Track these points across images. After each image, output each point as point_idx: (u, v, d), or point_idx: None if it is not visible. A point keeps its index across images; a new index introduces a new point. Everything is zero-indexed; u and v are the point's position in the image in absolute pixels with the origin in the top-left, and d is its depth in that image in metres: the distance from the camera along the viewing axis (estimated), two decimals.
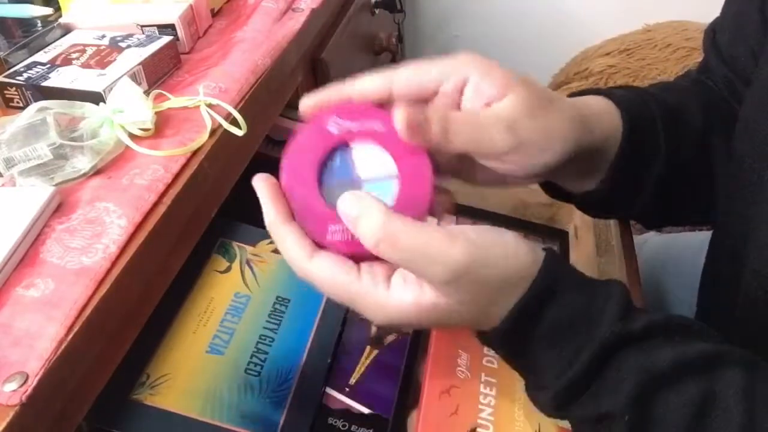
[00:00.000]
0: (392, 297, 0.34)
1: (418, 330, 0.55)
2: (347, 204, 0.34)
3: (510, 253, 0.35)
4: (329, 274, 0.35)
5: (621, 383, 0.34)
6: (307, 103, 0.40)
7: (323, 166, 0.37)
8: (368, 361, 0.53)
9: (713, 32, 0.54)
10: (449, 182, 0.43)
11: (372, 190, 0.36)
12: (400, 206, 0.36)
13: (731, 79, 0.51)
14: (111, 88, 0.48)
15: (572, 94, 0.47)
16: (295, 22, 0.65)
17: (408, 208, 0.36)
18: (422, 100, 0.39)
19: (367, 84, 0.39)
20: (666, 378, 0.34)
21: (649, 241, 0.82)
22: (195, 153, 0.47)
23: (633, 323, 0.35)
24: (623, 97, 0.46)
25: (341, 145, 0.37)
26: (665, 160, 0.47)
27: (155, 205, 0.42)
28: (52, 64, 0.51)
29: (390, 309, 0.34)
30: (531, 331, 0.36)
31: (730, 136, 0.47)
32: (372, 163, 0.37)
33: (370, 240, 0.33)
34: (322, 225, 0.36)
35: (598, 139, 0.43)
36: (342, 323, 0.55)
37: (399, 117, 0.35)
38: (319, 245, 0.36)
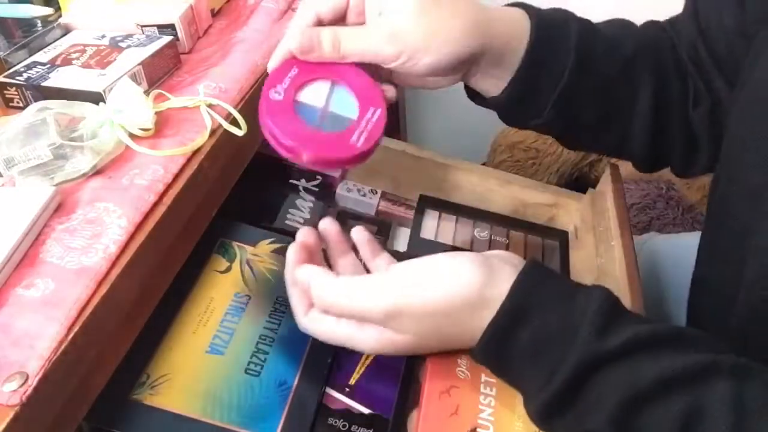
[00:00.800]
0: (365, 338, 0.42)
1: None
2: (300, 274, 0.43)
3: (446, 277, 0.38)
4: (328, 327, 0.44)
5: (602, 401, 0.34)
6: (271, 65, 0.45)
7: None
8: (368, 361, 0.53)
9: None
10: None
11: (338, 99, 0.44)
12: (361, 99, 0.44)
13: (697, 49, 0.51)
14: (111, 88, 0.48)
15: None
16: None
17: (366, 98, 0.44)
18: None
19: (302, 20, 0.44)
20: (650, 394, 0.33)
21: (649, 241, 0.82)
22: (195, 153, 0.47)
23: (612, 340, 0.34)
24: (543, 12, 0.48)
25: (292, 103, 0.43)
26: (572, 77, 0.47)
27: (155, 205, 0.42)
28: (52, 64, 0.51)
29: (370, 346, 0.42)
30: (508, 350, 0.37)
31: (661, 84, 0.50)
32: (314, 93, 0.44)
33: (320, 308, 0.43)
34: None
35: (498, 44, 0.45)
36: None
37: (293, 43, 0.42)
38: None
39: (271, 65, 0.44)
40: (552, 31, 0.47)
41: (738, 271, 0.42)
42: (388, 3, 0.42)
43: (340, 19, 0.44)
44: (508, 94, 0.47)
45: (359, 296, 0.39)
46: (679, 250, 0.76)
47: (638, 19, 0.58)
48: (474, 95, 0.52)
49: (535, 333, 0.36)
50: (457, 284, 0.37)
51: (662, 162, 0.56)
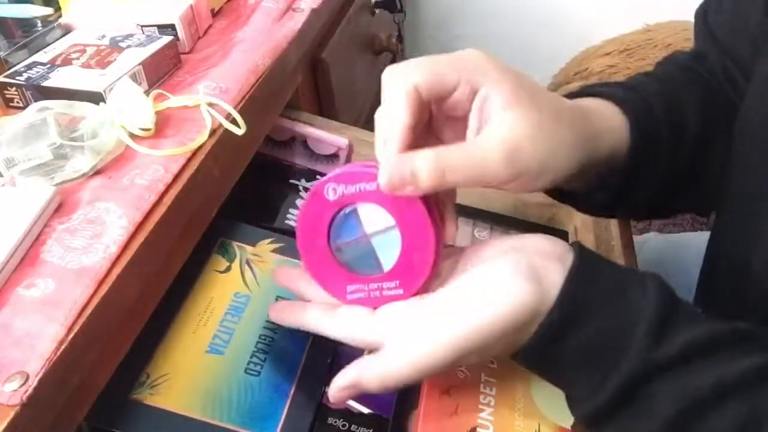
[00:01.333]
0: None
1: None
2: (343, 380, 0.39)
3: (494, 303, 0.34)
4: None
5: (655, 410, 0.33)
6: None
7: (330, 229, 0.40)
8: None
9: (705, 13, 0.51)
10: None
11: (379, 242, 0.39)
12: (405, 254, 0.39)
13: (729, 69, 0.49)
14: (111, 88, 0.48)
15: (572, 95, 0.46)
16: (295, 22, 0.65)
17: (413, 253, 0.39)
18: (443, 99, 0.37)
19: (399, 118, 0.35)
20: (705, 403, 0.32)
21: (649, 241, 0.82)
22: (195, 153, 0.47)
23: (667, 347, 0.32)
24: (631, 104, 0.44)
25: (344, 208, 0.39)
26: (666, 168, 0.46)
27: (155, 205, 0.42)
28: (53, 64, 0.51)
29: None
30: (557, 356, 0.35)
31: (729, 131, 0.46)
32: (374, 218, 0.39)
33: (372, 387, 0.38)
34: (341, 286, 0.41)
35: (603, 156, 0.42)
36: None
37: (382, 180, 0.34)
38: (341, 301, 0.41)
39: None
40: (646, 133, 0.44)
41: (746, 264, 0.42)
42: (502, 115, 0.35)
43: (437, 100, 0.37)
44: (610, 194, 0.46)
45: (421, 365, 0.36)
46: (679, 250, 0.76)
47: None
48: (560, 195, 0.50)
49: (587, 339, 0.34)
50: (509, 311, 0.34)
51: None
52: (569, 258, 0.36)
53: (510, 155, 0.34)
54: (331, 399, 0.39)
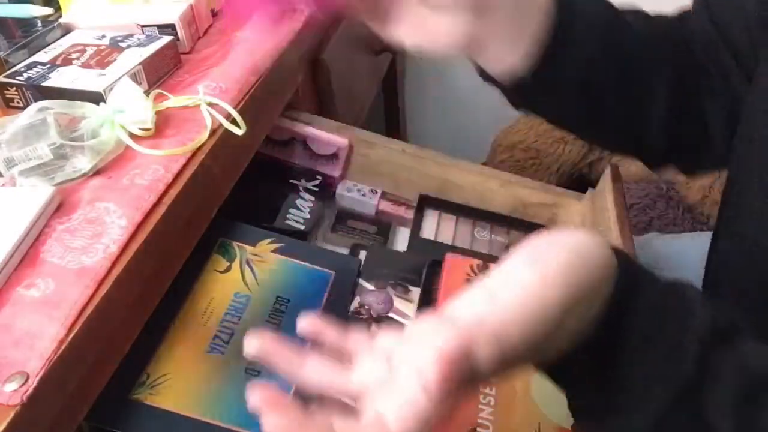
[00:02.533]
0: None
1: None
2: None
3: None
4: None
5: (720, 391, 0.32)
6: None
7: None
8: None
9: None
10: None
11: None
12: None
13: (710, 35, 0.50)
14: (111, 88, 0.48)
15: None
16: (295, 22, 0.65)
17: None
18: None
19: None
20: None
21: (649, 242, 0.82)
22: (195, 153, 0.47)
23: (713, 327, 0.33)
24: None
25: None
26: (595, 62, 0.46)
27: (155, 205, 0.42)
28: (53, 64, 0.51)
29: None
30: (619, 342, 0.33)
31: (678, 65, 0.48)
32: None
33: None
34: None
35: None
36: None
37: None
38: None
39: None
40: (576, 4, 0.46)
41: (753, 269, 0.42)
42: None
43: None
44: (531, 70, 0.45)
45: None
46: (679, 250, 0.76)
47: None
48: (485, 76, 0.49)
49: (647, 320, 0.33)
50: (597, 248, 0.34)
51: (671, 159, 0.55)
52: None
53: None
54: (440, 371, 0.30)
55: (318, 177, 0.71)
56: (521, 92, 0.48)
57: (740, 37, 0.48)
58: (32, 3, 0.61)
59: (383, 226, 0.70)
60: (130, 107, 0.46)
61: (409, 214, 0.70)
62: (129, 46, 0.54)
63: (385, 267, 0.61)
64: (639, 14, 0.52)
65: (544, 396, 0.51)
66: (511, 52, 0.45)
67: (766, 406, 0.32)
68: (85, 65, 0.51)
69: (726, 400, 0.32)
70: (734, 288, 0.47)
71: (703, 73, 0.50)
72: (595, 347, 0.34)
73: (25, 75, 0.50)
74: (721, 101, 0.50)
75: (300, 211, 0.67)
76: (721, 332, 0.33)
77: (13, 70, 0.50)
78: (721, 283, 0.51)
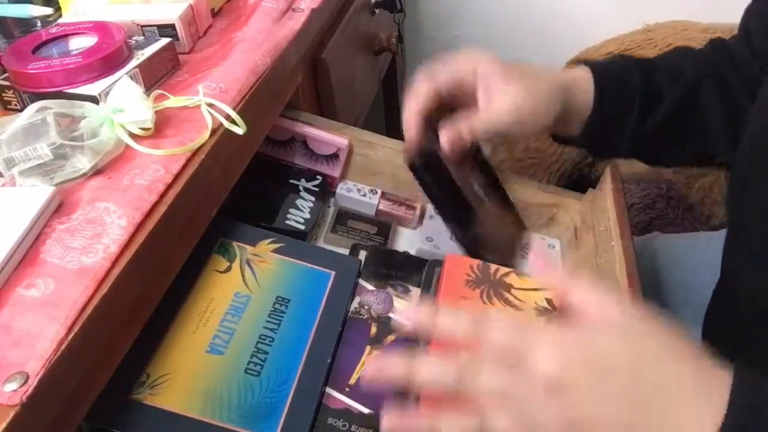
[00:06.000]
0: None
1: None
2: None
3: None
4: None
5: None
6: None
7: None
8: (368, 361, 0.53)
9: (748, 15, 0.60)
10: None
11: None
12: None
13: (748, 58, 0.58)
14: (107, 92, 0.48)
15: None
16: (295, 22, 0.65)
17: None
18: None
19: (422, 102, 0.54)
20: None
21: (650, 242, 0.82)
22: (195, 153, 0.47)
23: None
24: (603, 65, 0.59)
25: None
26: (641, 117, 0.57)
27: (155, 205, 0.42)
28: None
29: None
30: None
31: (724, 82, 0.57)
32: None
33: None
34: None
35: (579, 101, 0.57)
36: (342, 323, 0.55)
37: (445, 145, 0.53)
38: None
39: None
40: (613, 80, 0.58)
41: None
42: (504, 89, 0.53)
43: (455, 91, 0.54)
44: (588, 135, 0.59)
45: None
46: (680, 250, 0.76)
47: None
48: (560, 139, 0.64)
49: None
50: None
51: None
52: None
53: (515, 109, 0.53)
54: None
55: (318, 177, 0.71)
56: (592, 149, 0.65)
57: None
58: (32, 3, 0.61)
59: (383, 226, 0.69)
60: (130, 107, 0.46)
61: (410, 214, 0.70)
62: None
63: (385, 267, 0.61)
64: (681, 51, 0.62)
65: None
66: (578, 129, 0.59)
67: None
68: None
69: None
70: (749, 296, 0.48)
71: (748, 93, 0.57)
72: None
73: None
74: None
75: (300, 211, 0.67)
76: None
77: None
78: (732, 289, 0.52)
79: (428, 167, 0.54)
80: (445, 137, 0.52)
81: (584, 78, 0.58)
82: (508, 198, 0.61)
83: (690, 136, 0.60)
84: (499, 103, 0.52)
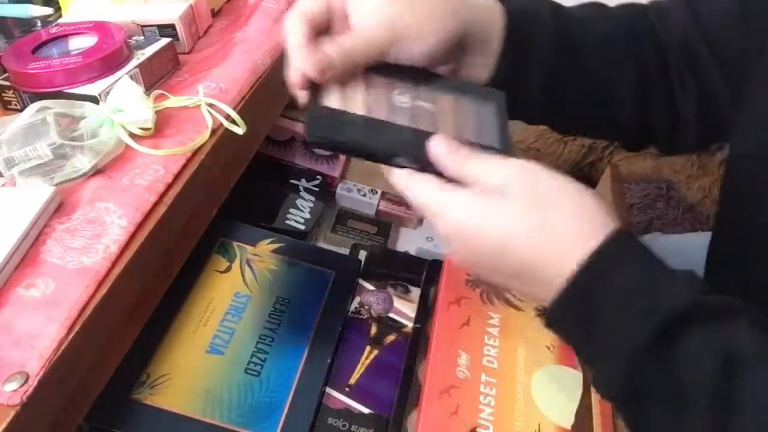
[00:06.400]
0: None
1: (418, 329, 0.55)
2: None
3: (570, 194, 0.38)
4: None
5: (697, 357, 0.33)
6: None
7: None
8: (368, 361, 0.53)
9: None
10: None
11: None
12: None
13: (688, 31, 0.51)
14: (107, 92, 0.48)
15: None
16: None
17: None
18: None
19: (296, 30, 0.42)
20: (751, 360, 0.32)
21: (650, 242, 0.82)
22: (195, 153, 0.47)
23: (708, 298, 0.34)
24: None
25: None
26: (552, 58, 0.49)
27: (155, 205, 0.42)
28: None
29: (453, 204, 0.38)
30: (607, 286, 0.35)
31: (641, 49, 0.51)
32: None
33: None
34: None
35: (480, 28, 0.47)
36: (342, 323, 0.55)
37: (310, 70, 0.41)
38: None
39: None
40: (526, 16, 0.49)
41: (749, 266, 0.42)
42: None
43: (327, 18, 0.45)
44: (493, 81, 0.48)
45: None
46: (680, 250, 0.76)
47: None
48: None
49: (630, 278, 0.35)
50: (579, 201, 0.38)
51: (648, 141, 0.57)
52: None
53: (391, 23, 0.43)
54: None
55: (318, 177, 0.71)
56: None
57: (720, 34, 0.49)
58: (32, 3, 0.61)
59: (383, 226, 0.70)
60: (130, 107, 0.46)
61: (410, 214, 0.70)
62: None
63: (385, 267, 0.61)
64: (596, 6, 0.53)
65: (544, 396, 0.51)
66: (485, 74, 0.49)
67: (744, 384, 0.32)
68: None
69: (703, 367, 0.33)
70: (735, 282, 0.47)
71: (668, 63, 0.52)
72: (574, 296, 0.36)
73: None
74: (694, 92, 0.51)
75: (300, 211, 0.67)
76: (710, 307, 0.33)
77: None
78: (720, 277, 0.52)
79: (334, 128, 0.40)
80: (311, 64, 0.41)
81: (488, 2, 0.49)
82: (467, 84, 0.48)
83: (601, 97, 0.53)
84: (368, 17, 0.43)
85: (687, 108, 0.52)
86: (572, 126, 0.58)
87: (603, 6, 0.54)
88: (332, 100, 0.42)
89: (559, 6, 0.51)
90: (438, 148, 0.39)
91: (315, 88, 0.41)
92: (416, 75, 0.45)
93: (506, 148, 0.42)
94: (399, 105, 0.43)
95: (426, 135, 0.40)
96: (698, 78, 0.51)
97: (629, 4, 0.55)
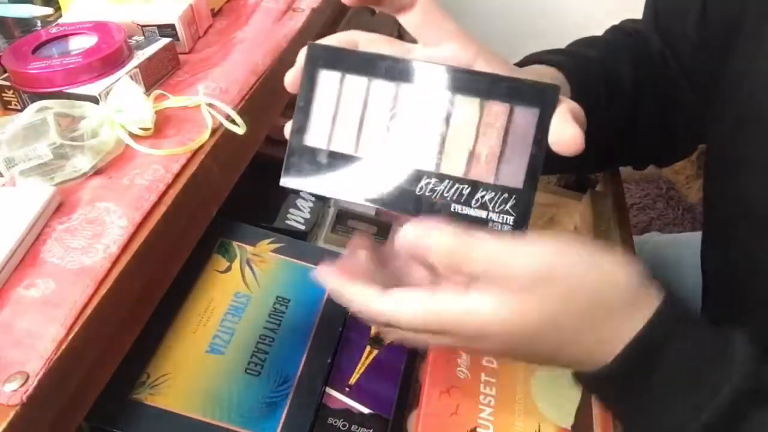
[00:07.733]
0: (470, 305, 0.31)
1: None
2: (411, 233, 0.33)
3: (605, 274, 0.32)
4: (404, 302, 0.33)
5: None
6: None
7: None
8: (368, 361, 0.53)
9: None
10: None
11: None
12: None
13: (664, 45, 0.54)
14: (107, 92, 0.48)
15: (518, 64, 0.50)
16: (295, 22, 0.65)
17: None
18: None
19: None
20: None
21: (650, 242, 0.83)
22: (195, 153, 0.47)
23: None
24: (570, 67, 0.49)
25: None
26: (605, 123, 0.50)
27: (156, 205, 0.42)
28: None
29: (469, 322, 0.31)
30: (652, 368, 0.32)
31: (657, 92, 0.52)
32: None
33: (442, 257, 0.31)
34: None
35: None
36: (342, 323, 0.55)
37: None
38: None
39: None
40: (586, 94, 0.48)
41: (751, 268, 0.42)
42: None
43: None
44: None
45: (514, 241, 0.31)
46: (680, 250, 0.76)
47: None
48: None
49: (687, 351, 0.32)
50: (610, 285, 0.32)
51: (651, 161, 0.60)
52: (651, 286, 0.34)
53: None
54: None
55: None
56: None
57: (686, 55, 0.52)
58: (32, 3, 0.61)
59: (383, 226, 0.70)
60: (130, 107, 0.46)
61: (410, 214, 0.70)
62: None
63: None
64: (589, 43, 0.56)
65: (544, 396, 0.51)
66: None
67: None
68: None
69: None
70: (735, 286, 0.47)
71: (665, 86, 0.54)
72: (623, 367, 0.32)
73: None
74: (679, 111, 0.54)
75: (300, 211, 0.67)
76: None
77: None
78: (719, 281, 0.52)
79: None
80: None
81: (551, 74, 0.49)
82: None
83: (636, 134, 0.54)
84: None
85: (677, 127, 0.55)
86: (598, 166, 0.63)
87: (595, 38, 0.57)
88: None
89: (581, 54, 0.53)
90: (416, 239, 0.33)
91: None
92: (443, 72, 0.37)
93: (529, 202, 0.33)
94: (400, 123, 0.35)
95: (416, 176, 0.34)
96: (677, 99, 0.54)
97: (613, 28, 0.59)
